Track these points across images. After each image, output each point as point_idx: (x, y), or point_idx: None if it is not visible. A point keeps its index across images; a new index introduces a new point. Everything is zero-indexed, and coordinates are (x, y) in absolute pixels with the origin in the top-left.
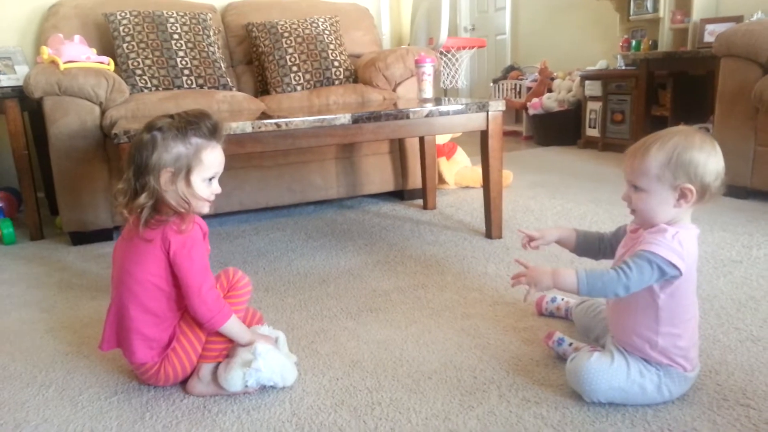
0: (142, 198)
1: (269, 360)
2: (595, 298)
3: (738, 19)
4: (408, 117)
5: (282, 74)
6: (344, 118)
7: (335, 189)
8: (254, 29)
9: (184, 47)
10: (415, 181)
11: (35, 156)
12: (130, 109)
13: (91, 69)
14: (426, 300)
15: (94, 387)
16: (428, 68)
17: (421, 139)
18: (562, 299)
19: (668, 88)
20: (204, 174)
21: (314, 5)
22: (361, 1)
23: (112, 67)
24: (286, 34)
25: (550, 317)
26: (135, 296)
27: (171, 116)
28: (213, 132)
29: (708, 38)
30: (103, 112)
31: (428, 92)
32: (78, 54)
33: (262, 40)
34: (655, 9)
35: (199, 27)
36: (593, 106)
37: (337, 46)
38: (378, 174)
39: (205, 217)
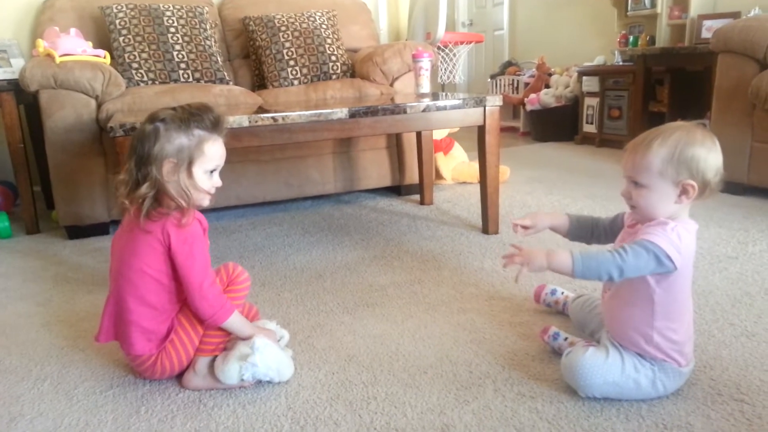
0: (144, 188)
1: (266, 355)
2: (591, 295)
3: (735, 15)
4: (405, 112)
5: (279, 68)
6: (341, 112)
7: (332, 184)
8: (251, 23)
9: (180, 41)
10: (412, 176)
11: (31, 150)
12: (126, 102)
13: (87, 62)
14: (422, 295)
15: (89, 381)
16: (425, 63)
17: (419, 134)
18: (562, 293)
19: (666, 84)
20: (206, 166)
21: None
22: None
23: (108, 60)
24: (283, 28)
25: (546, 312)
26: (134, 288)
27: (174, 108)
28: (215, 125)
29: (705, 34)
30: (99, 106)
31: (425, 87)
32: (74, 47)
33: (259, 34)
34: (653, 5)
35: (196, 20)
36: (590, 102)
37: (334, 40)
38: (375, 169)
39: (201, 211)
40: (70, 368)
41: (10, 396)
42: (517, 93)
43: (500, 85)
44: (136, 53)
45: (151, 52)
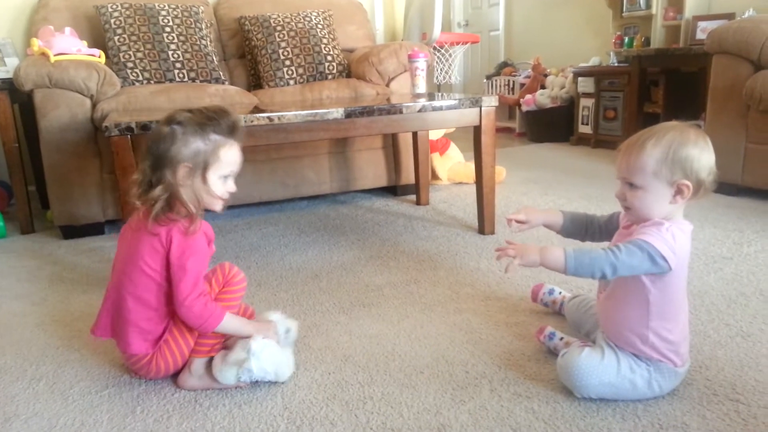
0: (157, 191)
1: (263, 358)
2: (587, 295)
3: (730, 16)
4: (401, 112)
5: (275, 68)
6: (337, 112)
7: (328, 184)
8: (247, 23)
9: (176, 40)
10: (408, 176)
11: (26, 149)
12: (121, 102)
13: (82, 61)
14: (418, 295)
15: (85, 381)
16: (421, 63)
17: (414, 135)
18: (560, 293)
19: (660, 85)
20: (221, 171)
21: None
22: None
23: (103, 59)
24: (279, 28)
25: (542, 312)
26: (134, 287)
27: (190, 111)
28: (232, 130)
29: (700, 35)
30: (94, 105)
31: (421, 87)
32: (69, 46)
33: (254, 33)
34: (648, 6)
35: (191, 20)
36: (586, 103)
37: (330, 40)
38: (371, 169)
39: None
40: (66, 368)
41: (5, 396)
42: (513, 94)
43: (496, 85)
44: (131, 52)
45: (146, 52)
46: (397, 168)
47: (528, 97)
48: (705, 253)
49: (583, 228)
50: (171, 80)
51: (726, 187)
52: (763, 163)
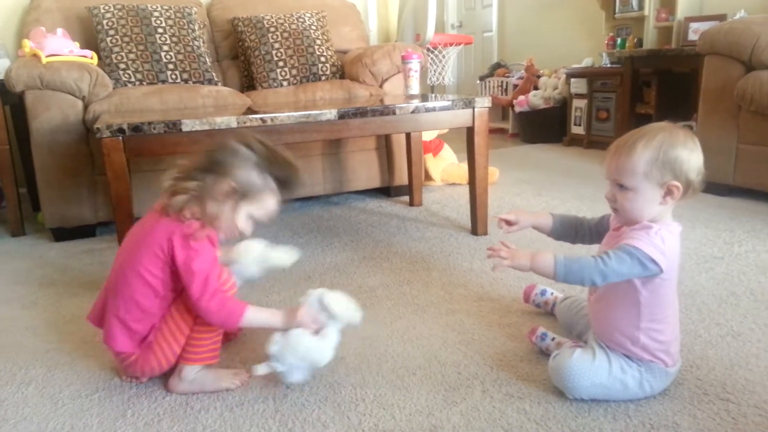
0: (192, 185)
1: (289, 350)
2: (579, 296)
3: (721, 17)
4: (394, 113)
5: (268, 69)
6: (330, 113)
7: (321, 185)
8: (240, 24)
9: (168, 41)
10: (401, 177)
11: (17, 151)
12: (113, 103)
13: (74, 63)
14: (411, 296)
15: (75, 384)
16: (415, 64)
17: (408, 136)
18: (552, 294)
19: (653, 85)
20: (253, 211)
21: (301, 0)
22: None
23: (95, 61)
24: (272, 29)
25: (535, 313)
26: (128, 287)
27: (265, 145)
28: (287, 186)
29: (692, 36)
30: (86, 107)
31: (414, 88)
32: (60, 47)
33: (248, 34)
34: (641, 7)
35: (184, 21)
36: (579, 104)
37: (323, 41)
38: (364, 170)
39: None
40: (56, 372)
41: None
42: (506, 95)
43: (489, 86)
44: (123, 54)
45: (139, 53)
46: (391, 169)
47: (521, 98)
48: (696, 252)
49: (573, 230)
50: (164, 81)
51: (717, 187)
52: (754, 163)
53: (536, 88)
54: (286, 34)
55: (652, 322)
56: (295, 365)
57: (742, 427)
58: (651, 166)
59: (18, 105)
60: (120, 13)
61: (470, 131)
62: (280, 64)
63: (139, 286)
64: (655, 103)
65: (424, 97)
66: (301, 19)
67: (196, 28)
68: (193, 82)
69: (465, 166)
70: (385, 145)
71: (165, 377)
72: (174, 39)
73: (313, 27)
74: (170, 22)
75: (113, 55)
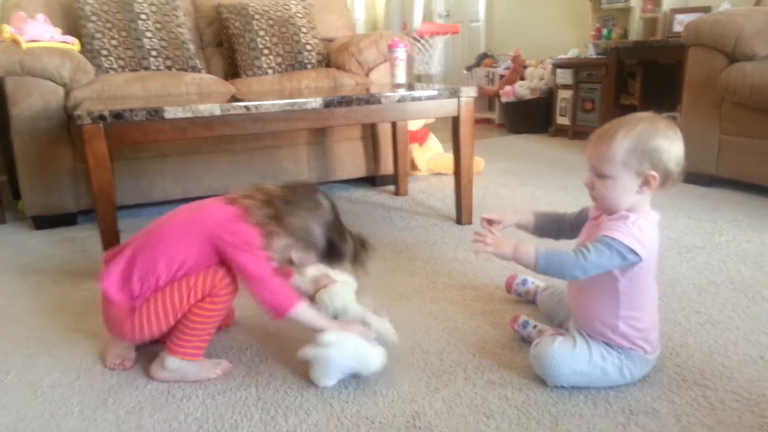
0: (269, 211)
1: (333, 352)
2: (559, 285)
3: (706, 9)
4: (380, 102)
5: (253, 57)
6: (315, 102)
7: (307, 174)
8: (224, 10)
9: (151, 28)
10: (387, 166)
11: None
12: (95, 90)
13: (55, 49)
14: (395, 285)
15: (55, 372)
16: (401, 53)
17: (394, 125)
18: (533, 282)
19: (638, 77)
20: (297, 256)
21: None
22: None
23: (77, 47)
24: (257, 16)
25: (517, 301)
26: (166, 246)
27: (336, 212)
28: (334, 255)
29: (677, 28)
30: (67, 93)
31: (401, 77)
32: (41, 33)
33: (232, 21)
34: None
35: (168, 7)
36: (564, 95)
37: (309, 29)
38: (350, 159)
39: (172, 202)
40: (36, 360)
41: None
42: (493, 85)
43: (476, 76)
44: (105, 40)
45: (122, 39)
46: (376, 158)
47: (507, 88)
48: (678, 242)
49: (555, 227)
50: (146, 68)
51: (700, 177)
52: (736, 154)
53: (522, 78)
54: (271, 22)
55: (631, 311)
56: (339, 363)
57: (719, 412)
58: (629, 155)
59: None
60: None
61: (456, 121)
62: (265, 51)
63: (175, 253)
64: (640, 94)
65: (410, 87)
66: (286, 6)
67: (180, 14)
68: (177, 70)
69: (451, 155)
70: (370, 135)
71: (147, 362)
72: (157, 25)
73: (299, 14)
74: (153, 8)
75: (95, 42)
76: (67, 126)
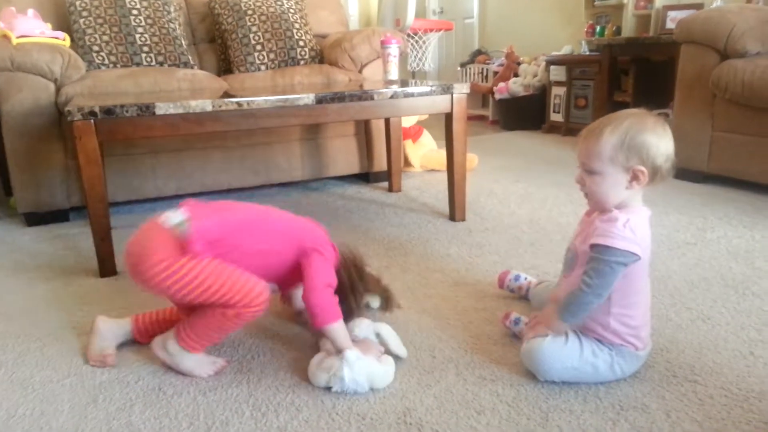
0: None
1: (355, 370)
2: (552, 281)
3: (698, 6)
4: (372, 98)
5: (245, 53)
6: (308, 98)
7: (300, 171)
8: (217, 6)
9: (143, 23)
10: (380, 163)
11: None
12: (86, 86)
13: (46, 44)
14: (388, 281)
15: (46, 369)
16: (394, 49)
17: (387, 122)
18: (525, 278)
19: (630, 73)
20: None
21: None
22: None
23: (67, 42)
24: (249, 12)
25: (509, 297)
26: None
27: (377, 284)
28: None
29: (670, 25)
30: (58, 89)
31: (393, 74)
32: (32, 29)
33: (225, 17)
34: None
35: (159, 3)
36: (558, 91)
37: (302, 25)
38: (343, 156)
39: (164, 198)
40: (26, 357)
41: None
42: (487, 81)
43: (470, 73)
44: (96, 35)
45: (113, 35)
46: (370, 155)
47: (501, 85)
48: (669, 238)
49: (567, 267)
50: (138, 64)
51: (692, 174)
52: (727, 150)
53: (516, 75)
54: (263, 18)
55: (623, 308)
56: (351, 380)
57: (708, 407)
58: (616, 151)
59: None
60: None
61: (449, 117)
62: (258, 47)
63: (271, 241)
64: (633, 91)
65: (402, 83)
66: (279, 2)
67: (172, 10)
68: (169, 65)
69: (444, 152)
70: (364, 131)
71: (137, 360)
72: (149, 21)
73: (292, 10)
74: (145, 3)
75: (86, 37)
76: (58, 122)
